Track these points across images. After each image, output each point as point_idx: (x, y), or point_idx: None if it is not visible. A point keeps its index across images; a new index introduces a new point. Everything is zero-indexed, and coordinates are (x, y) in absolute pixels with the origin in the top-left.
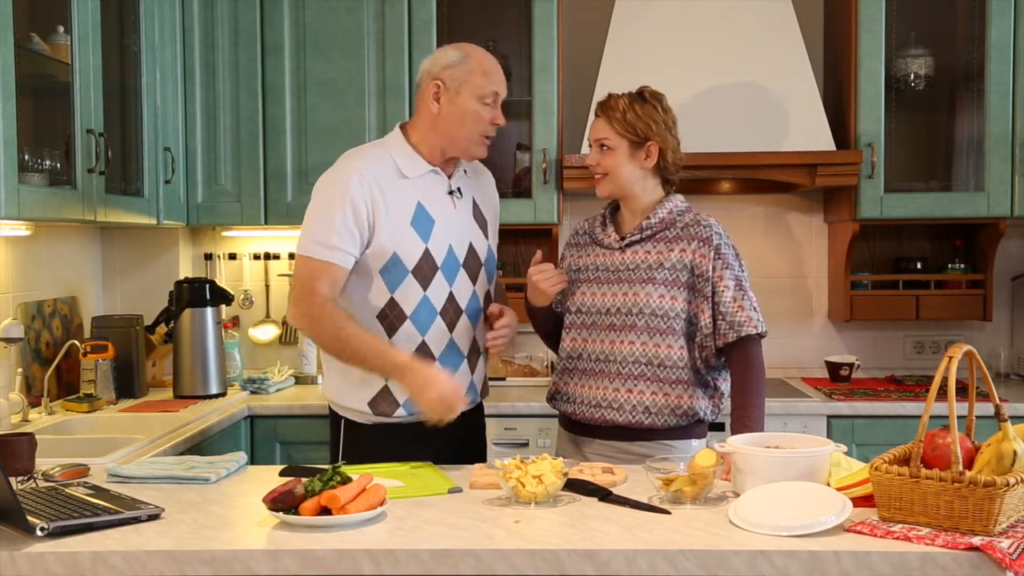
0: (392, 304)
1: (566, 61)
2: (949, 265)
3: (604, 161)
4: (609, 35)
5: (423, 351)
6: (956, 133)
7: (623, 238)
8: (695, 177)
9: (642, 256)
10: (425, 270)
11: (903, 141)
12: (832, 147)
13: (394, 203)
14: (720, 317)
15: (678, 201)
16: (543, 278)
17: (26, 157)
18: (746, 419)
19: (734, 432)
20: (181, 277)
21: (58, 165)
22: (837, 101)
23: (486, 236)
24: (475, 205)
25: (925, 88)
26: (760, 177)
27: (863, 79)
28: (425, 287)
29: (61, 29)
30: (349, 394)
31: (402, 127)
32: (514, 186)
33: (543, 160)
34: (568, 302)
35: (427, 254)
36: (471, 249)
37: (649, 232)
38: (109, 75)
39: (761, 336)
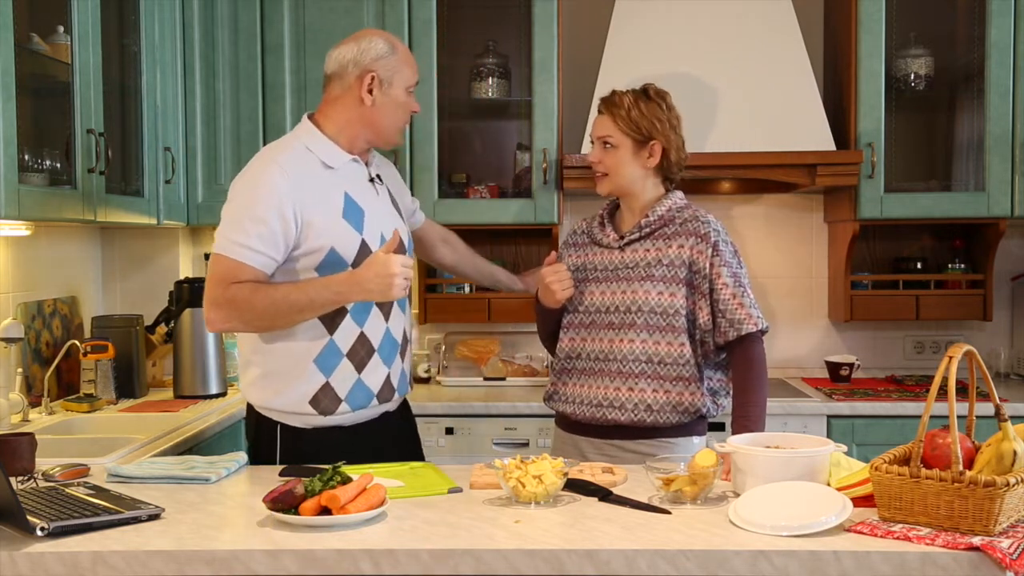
0: None
1: (566, 61)
2: (949, 265)
3: (606, 159)
4: (609, 35)
5: (362, 343)
6: (956, 133)
7: (622, 236)
8: (695, 177)
9: (641, 254)
10: (362, 261)
11: (903, 141)
12: (832, 147)
13: (323, 197)
14: (720, 315)
15: (677, 198)
16: (556, 279)
17: (26, 157)
18: (746, 419)
19: (735, 431)
20: (181, 277)
21: (58, 165)
22: (837, 101)
23: (403, 221)
24: (390, 193)
25: (925, 88)
26: (760, 177)
27: (863, 79)
28: None
29: (61, 29)
30: (288, 393)
31: (310, 118)
32: (514, 186)
33: (543, 160)
34: (567, 302)
35: (364, 245)
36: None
37: (648, 230)
38: (109, 75)
39: (763, 332)
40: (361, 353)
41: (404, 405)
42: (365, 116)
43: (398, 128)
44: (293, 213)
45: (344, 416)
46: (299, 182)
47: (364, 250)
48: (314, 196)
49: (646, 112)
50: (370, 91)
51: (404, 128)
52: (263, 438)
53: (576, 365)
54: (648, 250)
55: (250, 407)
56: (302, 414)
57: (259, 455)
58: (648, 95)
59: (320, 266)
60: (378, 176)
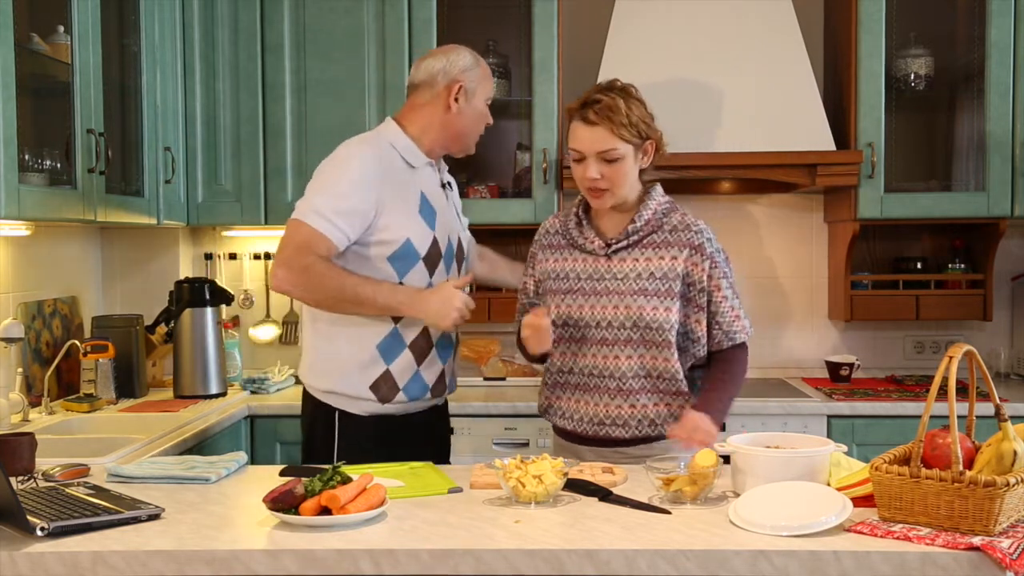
0: None
1: (566, 61)
2: (949, 265)
3: (610, 173)
4: (609, 35)
5: (424, 337)
6: (956, 133)
7: (608, 244)
8: (695, 177)
9: (630, 264)
10: (433, 257)
11: (903, 141)
12: (832, 147)
13: (403, 191)
14: (716, 326)
15: (659, 197)
16: (534, 337)
17: (26, 157)
18: (707, 405)
19: (694, 406)
20: (181, 277)
21: (58, 165)
22: (837, 101)
23: (465, 232)
24: (454, 202)
25: (925, 88)
26: (760, 177)
27: (863, 79)
28: (431, 274)
29: (61, 29)
30: (350, 378)
31: (396, 120)
32: (514, 186)
33: (543, 160)
34: (553, 313)
35: (435, 242)
36: (459, 240)
37: (636, 237)
38: (109, 75)
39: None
40: (422, 346)
41: (445, 404)
42: (448, 122)
43: (475, 137)
44: (375, 198)
45: (399, 406)
46: (383, 172)
47: (435, 247)
48: (395, 189)
49: (637, 111)
50: (456, 99)
51: (478, 137)
52: (319, 427)
53: (569, 380)
54: (637, 260)
55: (307, 398)
56: (361, 399)
57: (315, 446)
58: (628, 92)
59: (394, 256)
60: (448, 183)
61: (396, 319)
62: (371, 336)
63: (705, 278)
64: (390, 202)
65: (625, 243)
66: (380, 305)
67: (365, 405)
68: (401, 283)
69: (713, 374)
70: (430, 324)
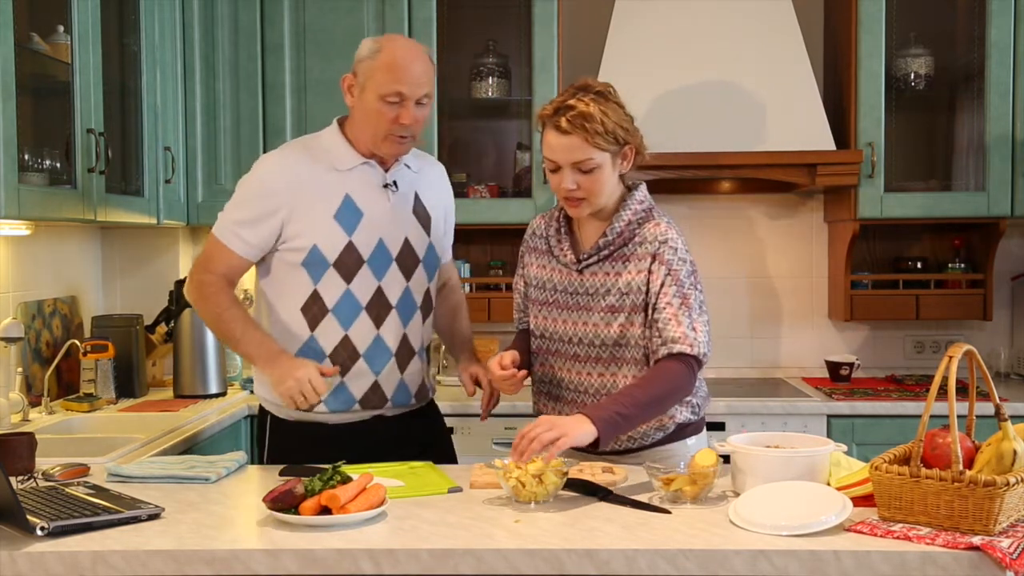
0: (315, 296)
1: (566, 61)
2: (949, 265)
3: (586, 184)
4: (609, 35)
5: (346, 346)
6: (956, 133)
7: (579, 259)
8: (694, 177)
9: (600, 279)
10: (348, 263)
11: (903, 141)
12: (832, 147)
13: (319, 196)
14: (656, 334)
15: (636, 204)
16: (497, 382)
17: (26, 157)
18: (600, 407)
19: (590, 409)
20: (181, 277)
21: (58, 165)
22: (837, 101)
23: (427, 232)
24: (417, 200)
25: (925, 88)
26: (760, 177)
27: (863, 79)
28: (348, 280)
29: (61, 29)
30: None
31: (339, 121)
32: (514, 186)
33: (543, 160)
34: (532, 323)
35: (350, 247)
36: (406, 244)
37: (607, 252)
38: (109, 75)
39: (697, 360)
40: (344, 356)
41: (428, 410)
42: (354, 117)
43: (376, 135)
44: (281, 204)
45: (324, 415)
46: (295, 177)
47: (350, 250)
48: (310, 195)
49: (613, 116)
50: (350, 92)
51: (389, 137)
52: (260, 428)
53: (551, 391)
54: (608, 274)
55: None
56: (283, 406)
57: (259, 446)
58: (604, 96)
59: (305, 262)
60: (394, 183)
61: (312, 328)
62: (288, 345)
63: (658, 285)
64: (300, 207)
65: (596, 258)
66: (242, 350)
67: (289, 411)
68: (316, 290)
69: (632, 384)
70: (274, 387)
